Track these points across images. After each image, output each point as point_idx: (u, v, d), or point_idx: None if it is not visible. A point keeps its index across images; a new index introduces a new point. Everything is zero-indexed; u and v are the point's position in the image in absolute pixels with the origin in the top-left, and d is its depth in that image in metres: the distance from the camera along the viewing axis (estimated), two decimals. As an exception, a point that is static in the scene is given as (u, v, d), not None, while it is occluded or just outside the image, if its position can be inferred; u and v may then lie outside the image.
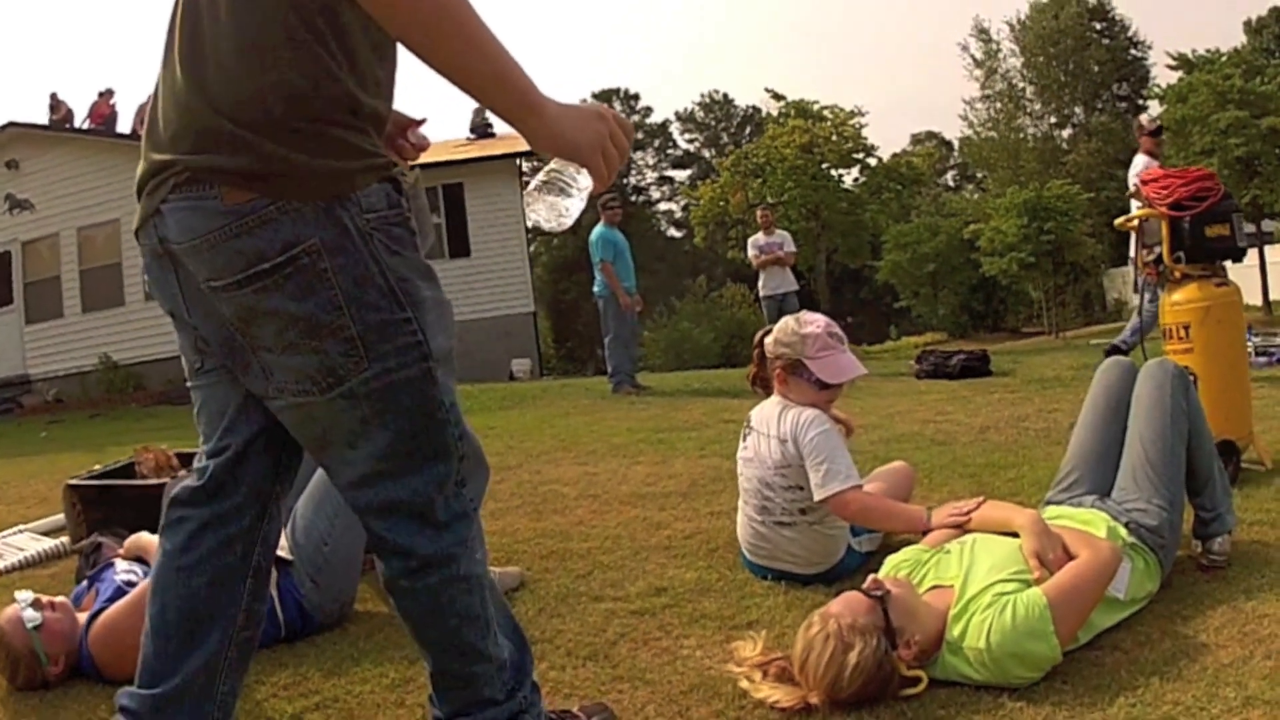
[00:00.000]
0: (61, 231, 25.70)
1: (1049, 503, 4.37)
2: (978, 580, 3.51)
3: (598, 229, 14.83)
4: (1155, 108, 44.06)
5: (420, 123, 3.01)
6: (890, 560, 3.98)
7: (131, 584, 4.07)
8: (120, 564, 4.34)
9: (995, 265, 42.36)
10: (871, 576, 3.51)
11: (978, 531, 3.93)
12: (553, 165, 2.47)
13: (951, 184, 79.43)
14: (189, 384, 2.83)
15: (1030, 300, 49.90)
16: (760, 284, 16.87)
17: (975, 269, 46.66)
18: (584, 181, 2.47)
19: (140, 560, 4.37)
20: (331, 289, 2.41)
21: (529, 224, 2.60)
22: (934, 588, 3.65)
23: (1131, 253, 6.58)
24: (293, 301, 2.41)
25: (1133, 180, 9.90)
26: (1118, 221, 6.79)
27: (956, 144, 73.47)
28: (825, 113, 48.55)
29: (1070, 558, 3.58)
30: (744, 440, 4.92)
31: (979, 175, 70.12)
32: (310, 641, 4.27)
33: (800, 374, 4.70)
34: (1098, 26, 62.00)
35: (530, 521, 6.16)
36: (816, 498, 4.43)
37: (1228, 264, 6.10)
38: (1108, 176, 51.09)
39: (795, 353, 4.69)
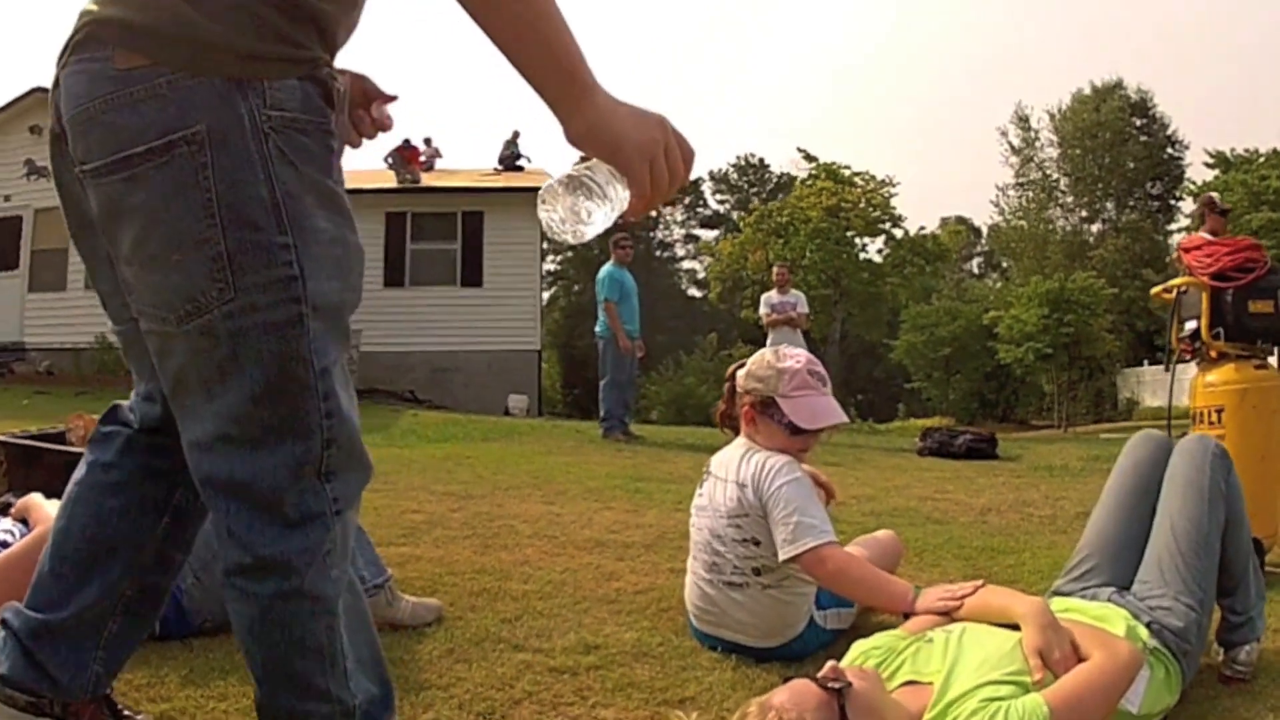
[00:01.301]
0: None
1: (1056, 593, 3.75)
2: (964, 678, 2.85)
3: (606, 267, 14.57)
4: (1189, 205, 44.16)
5: (390, 99, 2.61)
6: (859, 645, 3.28)
7: (6, 544, 3.82)
8: (2, 522, 4.11)
9: (1011, 354, 42.71)
10: (830, 663, 2.78)
11: (970, 620, 3.30)
12: (588, 164, 2.06)
13: (976, 271, 79.70)
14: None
15: (1042, 393, 49.87)
16: (769, 342, 16.13)
17: (990, 357, 47.01)
18: (619, 192, 2.05)
19: (24, 522, 4.09)
20: (207, 191, 2.00)
21: (541, 225, 2.07)
22: (908, 683, 3.00)
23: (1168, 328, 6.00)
24: (160, 200, 2.03)
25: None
26: (1154, 291, 6.29)
27: (985, 230, 73.54)
28: (856, 179, 47.92)
29: (1080, 659, 2.95)
30: (700, 487, 4.36)
31: (1004, 264, 70.19)
32: (185, 644, 3.89)
33: (771, 414, 4.12)
34: (1137, 123, 62.19)
35: (473, 554, 5.73)
36: (784, 555, 3.84)
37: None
38: (1132, 275, 51.37)
39: (768, 389, 4.12)
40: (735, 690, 3.61)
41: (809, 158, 51.13)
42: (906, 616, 3.56)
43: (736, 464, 4.10)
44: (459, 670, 3.77)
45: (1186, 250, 5.86)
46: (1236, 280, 5.48)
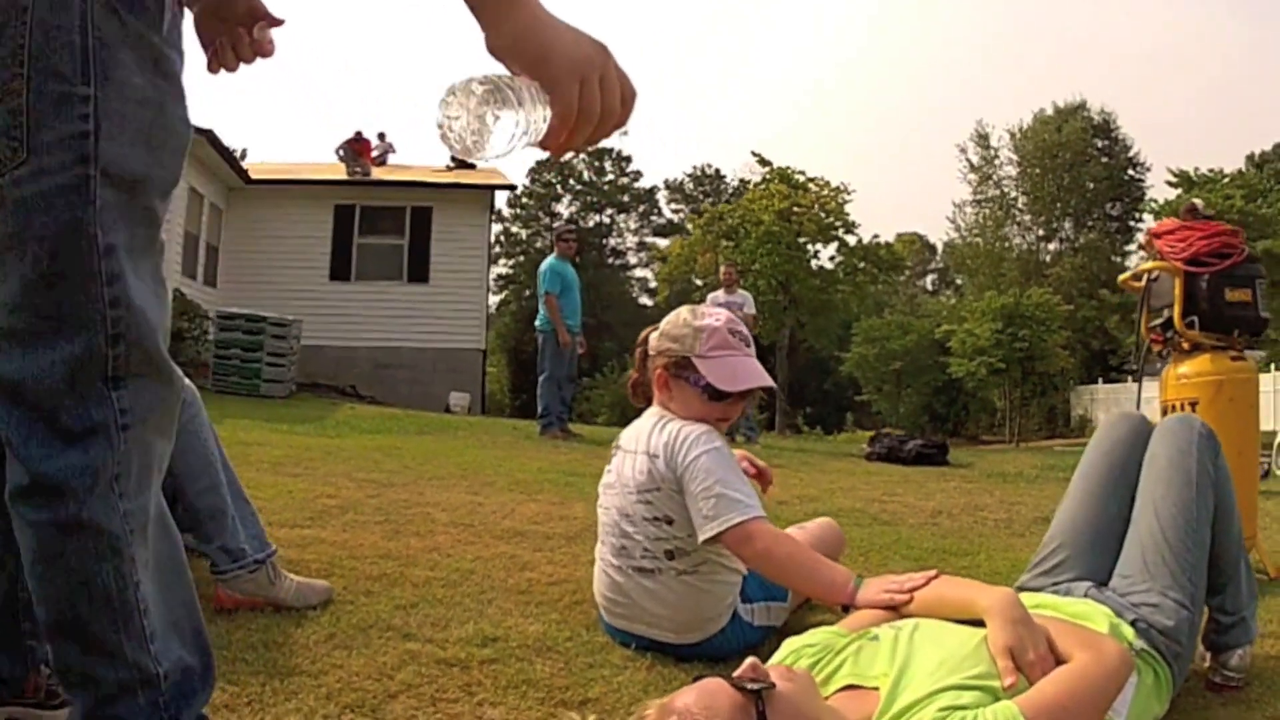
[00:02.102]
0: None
1: (1023, 588, 3.24)
2: (918, 683, 2.35)
3: (548, 260, 14.28)
4: (1149, 221, 44.29)
5: (277, 22, 2.30)
6: (791, 643, 2.78)
7: None
8: None
9: (964, 367, 43.01)
10: (750, 660, 2.28)
11: (923, 615, 2.80)
12: (507, 75, 1.64)
13: (930, 287, 79.94)
14: None
15: (994, 409, 50.01)
16: (716, 345, 15.73)
17: (942, 371, 47.37)
18: (538, 111, 1.63)
19: None
20: (21, 35, 1.73)
21: (438, 129, 1.59)
22: (849, 688, 2.51)
23: (1137, 316, 5.60)
24: None
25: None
26: (1122, 278, 5.88)
27: (940, 246, 73.70)
28: (810, 184, 47.32)
29: (1059, 661, 2.46)
30: (609, 466, 3.90)
31: (958, 281, 70.34)
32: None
33: (686, 377, 3.65)
34: (1099, 144, 62.43)
35: (380, 539, 5.29)
36: (704, 534, 3.37)
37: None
38: (1088, 294, 51.54)
39: (683, 349, 3.66)
40: (646, 692, 3.15)
41: (763, 162, 50.09)
42: (846, 610, 3.09)
43: (647, 434, 3.64)
44: (337, 657, 3.36)
45: (1158, 235, 5.44)
46: (1212, 266, 5.10)
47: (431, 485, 7.63)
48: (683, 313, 3.77)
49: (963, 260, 65.30)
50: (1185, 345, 5.21)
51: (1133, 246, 57.73)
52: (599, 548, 3.83)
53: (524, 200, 77.81)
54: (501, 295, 71.70)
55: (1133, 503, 3.28)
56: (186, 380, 3.95)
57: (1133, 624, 2.86)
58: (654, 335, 3.82)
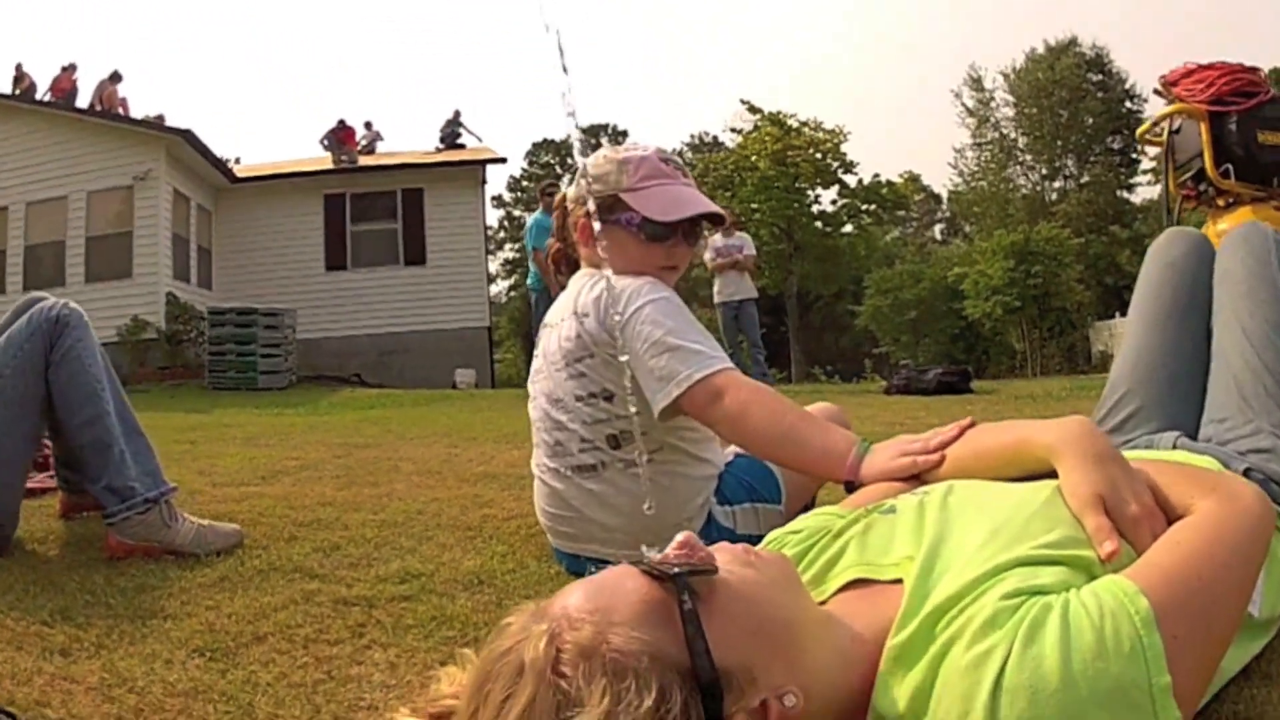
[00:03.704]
0: (10, 205, 24.43)
1: None
2: (961, 564, 1.57)
3: (535, 216, 14.02)
4: (1147, 162, 43.83)
5: None
6: (772, 534, 2.04)
7: None
8: None
9: (979, 308, 42.43)
10: (682, 535, 1.54)
11: (960, 479, 2.00)
12: None
13: (939, 237, 79.46)
14: None
15: (1013, 351, 49.30)
16: (715, 290, 15.37)
17: (958, 317, 46.72)
18: None
19: None
20: None
21: None
22: (854, 584, 1.73)
23: (1163, 181, 5.06)
24: None
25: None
26: (1140, 130, 5.31)
27: (945, 195, 73.14)
28: (804, 127, 46.46)
29: (1173, 517, 1.70)
30: (536, 350, 3.27)
31: (966, 228, 69.77)
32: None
33: (617, 219, 2.99)
34: (1094, 78, 61.53)
35: (329, 490, 4.77)
36: (660, 403, 2.71)
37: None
38: (1097, 230, 50.90)
39: (608, 186, 2.99)
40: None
41: (753, 109, 48.95)
42: (850, 490, 2.35)
43: (574, 297, 3.02)
44: (215, 600, 2.89)
45: (1172, 83, 4.88)
46: (1238, 105, 4.53)
47: (409, 444, 7.13)
48: (602, 151, 3.11)
49: (969, 206, 64.71)
50: (1220, 201, 4.64)
51: (1138, 179, 57.17)
52: (534, 454, 3.22)
53: (524, 184, 77.35)
54: (511, 280, 71.12)
55: (1209, 332, 2.65)
56: (72, 304, 3.46)
57: (1245, 474, 2.10)
58: (570, 190, 3.21)
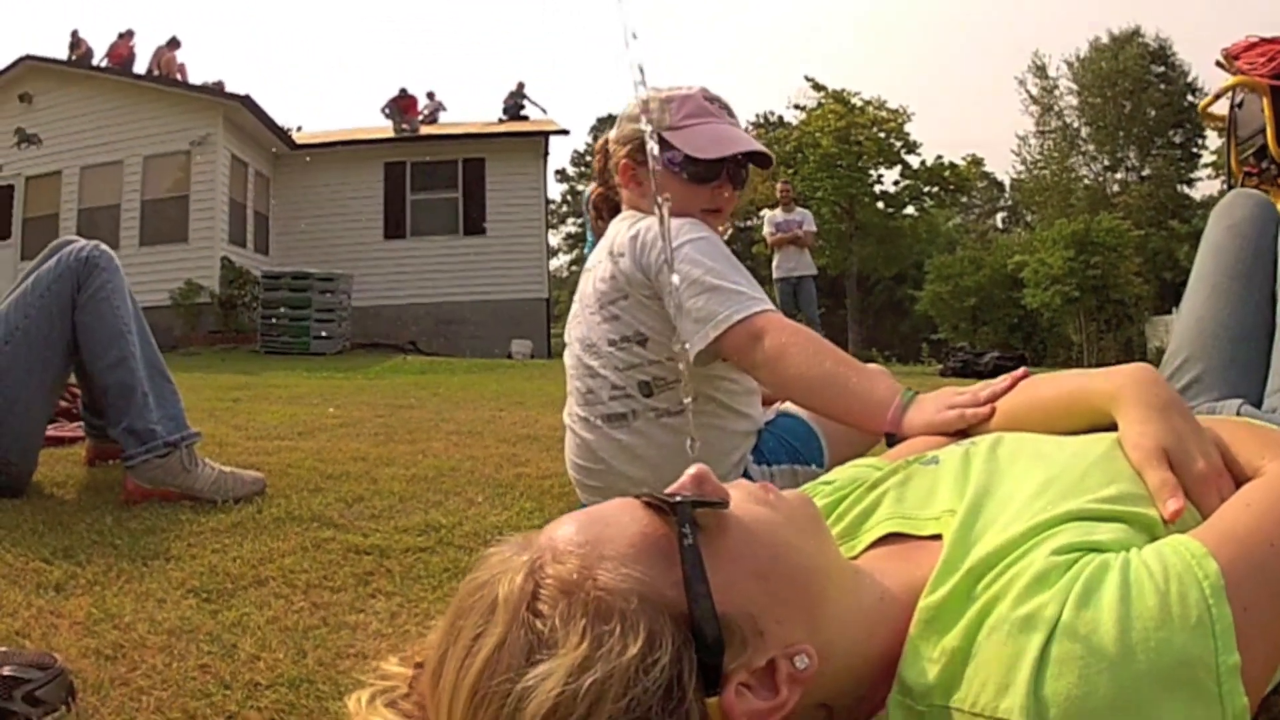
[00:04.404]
0: (64, 169, 24.82)
1: None
2: (1008, 517, 1.40)
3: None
4: (1212, 147, 43.53)
5: None
6: (807, 485, 1.84)
7: None
8: None
9: (1038, 297, 42.30)
10: (695, 467, 1.36)
11: (1010, 431, 1.81)
12: None
13: (1000, 225, 79.24)
14: None
15: (1070, 343, 49.09)
16: (774, 265, 15.17)
17: (1017, 306, 46.54)
18: None
19: None
20: None
21: None
22: (889, 539, 1.56)
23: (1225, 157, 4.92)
24: None
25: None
26: (1202, 105, 5.15)
27: (1008, 182, 72.86)
28: (867, 106, 46.35)
29: (1240, 479, 1.52)
30: (575, 296, 3.16)
31: (1028, 217, 69.57)
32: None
33: (659, 159, 2.86)
34: (1157, 70, 61.03)
35: (365, 446, 4.72)
36: (698, 345, 2.56)
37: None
38: (1157, 224, 50.62)
39: (653, 125, 2.87)
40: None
41: (817, 86, 48.99)
42: (891, 444, 2.18)
43: (611, 239, 2.90)
44: (224, 544, 2.86)
45: (1234, 56, 4.71)
46: (1304, 79, 4.40)
47: (454, 406, 7.08)
48: (644, 91, 2.94)
49: (1031, 195, 64.46)
50: (1284, 179, 4.51)
51: (1198, 174, 56.75)
52: (567, 404, 3.11)
53: (588, 158, 77.66)
54: (573, 254, 71.18)
55: (1275, 299, 2.50)
56: (102, 245, 3.39)
57: None
58: (612, 134, 3.11)
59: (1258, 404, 2.33)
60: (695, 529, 1.24)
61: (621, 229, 2.87)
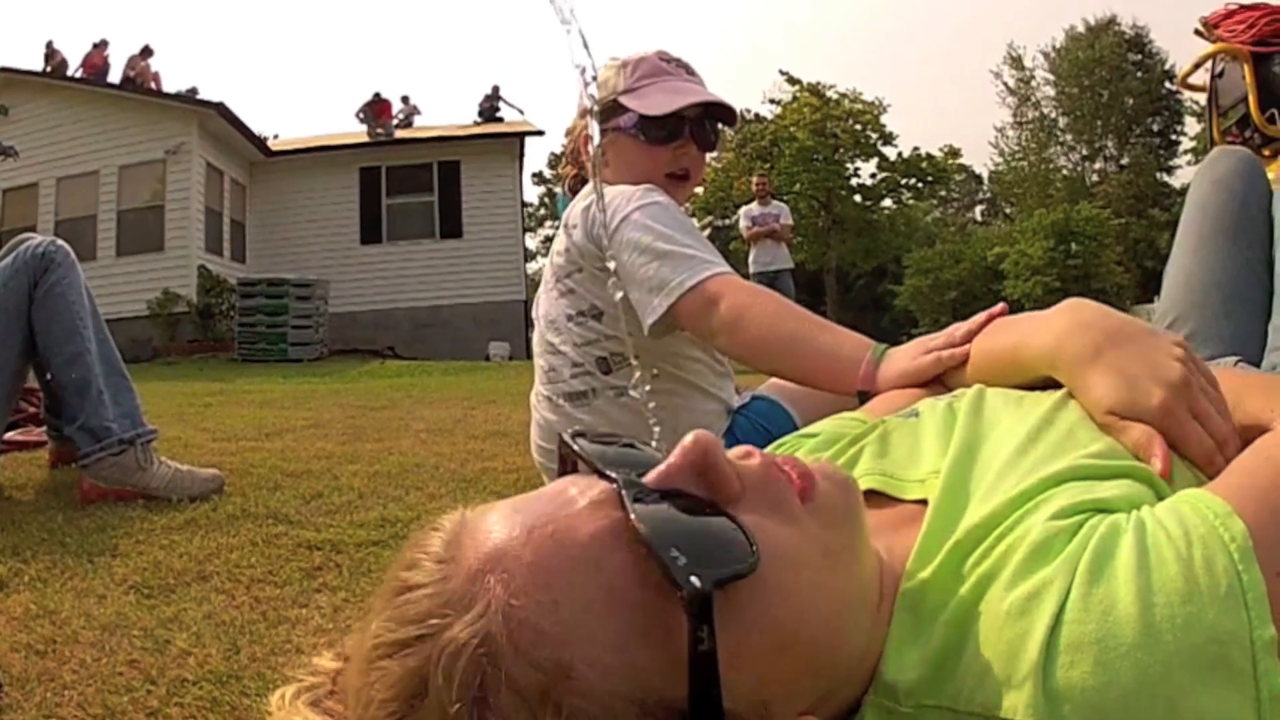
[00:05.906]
0: (41, 181, 24.66)
1: None
2: (996, 477, 1.19)
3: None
4: (1187, 142, 43.62)
5: None
6: (789, 437, 1.61)
7: None
8: None
9: (1019, 288, 42.37)
10: (693, 440, 1.02)
11: (989, 383, 1.55)
12: None
13: (979, 219, 79.28)
14: None
15: (1052, 334, 49.47)
16: (751, 259, 15.02)
17: (998, 298, 46.35)
18: None
19: None
20: None
21: None
22: (872, 499, 1.27)
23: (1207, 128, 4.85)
24: None
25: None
26: (1181, 73, 5.08)
27: (986, 175, 72.92)
28: (843, 99, 46.46)
29: (1249, 435, 1.29)
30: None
31: (1007, 210, 69.61)
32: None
33: (617, 125, 2.77)
34: (1134, 58, 61.09)
35: (329, 445, 4.64)
36: (652, 316, 2.41)
37: None
38: (1136, 213, 50.77)
39: (609, 92, 2.77)
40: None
41: (792, 80, 49.07)
42: (864, 400, 1.95)
43: (567, 213, 2.79)
44: (172, 540, 2.79)
45: (1214, 24, 4.65)
46: (1282, 46, 4.34)
47: (426, 405, 7.02)
48: (606, 62, 2.89)
49: (1009, 186, 64.51)
50: (1267, 151, 4.44)
51: (1177, 161, 56.89)
52: (534, 385, 2.98)
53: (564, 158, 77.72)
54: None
55: (1268, 261, 2.40)
56: (59, 241, 3.34)
57: None
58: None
59: (1255, 364, 2.24)
60: (713, 633, 0.84)
61: (576, 201, 2.77)
